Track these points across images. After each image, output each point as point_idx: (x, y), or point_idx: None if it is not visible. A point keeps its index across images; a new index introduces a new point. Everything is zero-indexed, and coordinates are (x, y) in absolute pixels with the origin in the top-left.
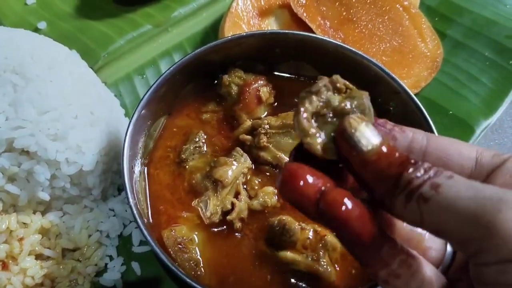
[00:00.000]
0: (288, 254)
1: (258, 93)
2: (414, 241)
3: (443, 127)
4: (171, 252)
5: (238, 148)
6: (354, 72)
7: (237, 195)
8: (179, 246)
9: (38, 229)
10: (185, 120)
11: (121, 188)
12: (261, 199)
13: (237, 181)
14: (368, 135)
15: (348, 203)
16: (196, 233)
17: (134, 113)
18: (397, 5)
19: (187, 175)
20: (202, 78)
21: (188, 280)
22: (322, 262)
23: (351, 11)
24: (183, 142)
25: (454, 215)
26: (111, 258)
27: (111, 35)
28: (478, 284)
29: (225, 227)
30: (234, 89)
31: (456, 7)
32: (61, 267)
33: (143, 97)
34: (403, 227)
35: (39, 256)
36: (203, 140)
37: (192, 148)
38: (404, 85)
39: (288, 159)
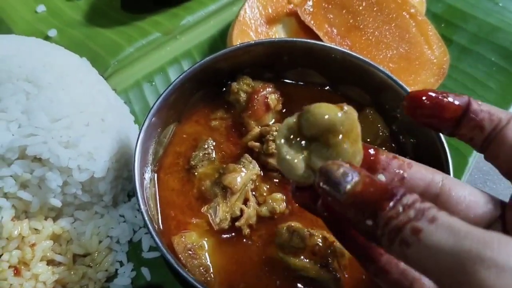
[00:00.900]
0: (297, 260)
1: (266, 100)
2: None
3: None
4: (181, 258)
5: (246, 155)
6: (361, 79)
7: (246, 201)
8: (189, 252)
9: (49, 235)
10: (194, 127)
11: (131, 195)
12: (269, 206)
13: (246, 188)
14: (341, 179)
15: None
16: (206, 239)
17: (144, 120)
18: (404, 13)
19: (196, 181)
20: (211, 86)
21: (198, 285)
22: (331, 269)
23: (358, 18)
24: (192, 148)
25: (434, 265)
26: (121, 263)
27: (121, 42)
28: None
29: (234, 233)
30: (243, 96)
31: (461, 14)
32: (72, 272)
33: (154, 105)
34: None
35: (50, 262)
36: (212, 147)
37: (201, 154)
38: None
39: None
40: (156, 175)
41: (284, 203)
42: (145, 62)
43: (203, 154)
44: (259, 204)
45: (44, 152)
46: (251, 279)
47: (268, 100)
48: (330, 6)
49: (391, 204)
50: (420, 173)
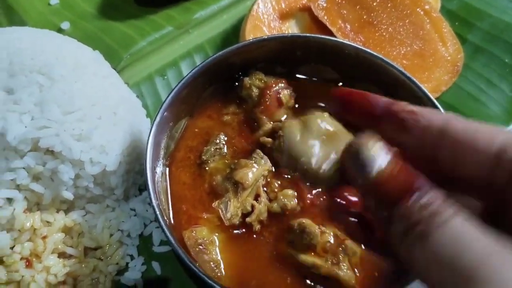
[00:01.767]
0: (308, 257)
1: (278, 96)
2: None
3: None
4: (192, 253)
5: (258, 151)
6: (375, 76)
7: (257, 197)
8: (200, 247)
9: (61, 227)
10: (206, 122)
11: (142, 188)
12: (280, 202)
13: (257, 183)
14: (374, 159)
15: None
16: (217, 234)
17: (157, 115)
18: (418, 9)
19: (207, 176)
20: (223, 81)
21: (209, 281)
22: (342, 266)
23: (372, 14)
24: (204, 143)
25: (435, 272)
26: (131, 257)
27: (133, 36)
28: None
29: (244, 229)
30: (255, 91)
31: (476, 11)
32: (83, 265)
33: (166, 99)
34: None
35: (61, 255)
36: (224, 142)
37: (212, 149)
38: (425, 89)
39: None
40: (167, 169)
41: (295, 199)
42: (158, 56)
43: (214, 149)
44: (270, 200)
45: (56, 145)
46: (261, 275)
47: (281, 95)
48: (343, 2)
49: (411, 200)
50: None
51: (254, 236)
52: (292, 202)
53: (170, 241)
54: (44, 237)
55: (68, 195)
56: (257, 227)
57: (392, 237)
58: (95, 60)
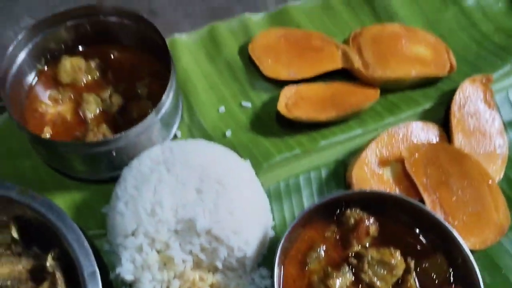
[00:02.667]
0: None
1: (367, 228)
2: None
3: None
4: None
5: (346, 266)
6: (431, 231)
7: None
8: None
9: (210, 284)
10: (313, 233)
11: (259, 263)
12: None
13: None
14: None
15: None
16: None
17: (289, 230)
18: (484, 181)
19: (307, 274)
20: (329, 210)
21: None
22: None
23: (450, 179)
24: (308, 248)
25: None
26: None
27: (273, 151)
28: None
29: None
30: (351, 220)
31: None
32: None
33: (295, 220)
34: None
35: None
36: (323, 251)
37: (314, 256)
38: (467, 249)
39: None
40: (282, 266)
41: None
42: (285, 169)
43: (315, 256)
44: None
45: (221, 234)
46: None
47: (369, 228)
48: (430, 163)
49: None
50: None
51: None
52: None
53: None
54: None
55: (219, 265)
56: None
57: None
58: (247, 169)
